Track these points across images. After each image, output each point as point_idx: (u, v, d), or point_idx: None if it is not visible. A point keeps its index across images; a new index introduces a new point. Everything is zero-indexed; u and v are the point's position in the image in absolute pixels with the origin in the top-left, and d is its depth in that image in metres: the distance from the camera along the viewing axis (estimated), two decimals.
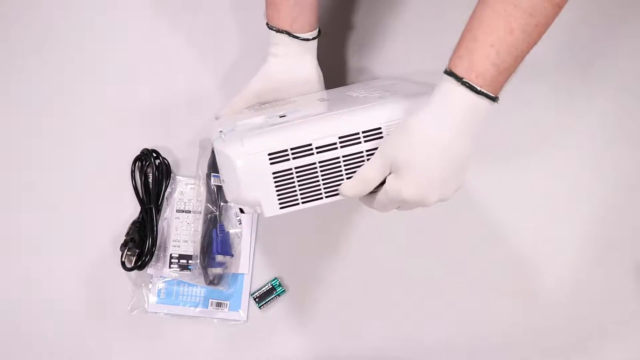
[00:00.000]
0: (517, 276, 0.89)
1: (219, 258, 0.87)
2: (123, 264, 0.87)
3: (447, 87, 0.58)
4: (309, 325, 0.88)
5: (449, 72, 0.58)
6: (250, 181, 0.67)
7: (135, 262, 0.87)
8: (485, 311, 0.88)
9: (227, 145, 0.68)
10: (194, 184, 0.90)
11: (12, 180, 0.93)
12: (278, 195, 0.68)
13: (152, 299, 0.89)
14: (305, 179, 0.68)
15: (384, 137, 0.65)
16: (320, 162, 0.67)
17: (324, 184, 0.68)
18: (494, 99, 0.58)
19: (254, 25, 0.97)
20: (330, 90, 0.82)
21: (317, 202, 0.69)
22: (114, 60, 0.97)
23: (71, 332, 0.89)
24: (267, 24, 0.79)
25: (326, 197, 0.68)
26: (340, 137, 0.66)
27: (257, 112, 0.76)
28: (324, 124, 0.67)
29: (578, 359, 0.87)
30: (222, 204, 0.88)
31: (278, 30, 0.78)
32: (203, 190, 0.88)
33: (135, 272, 0.87)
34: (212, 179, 0.88)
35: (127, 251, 0.87)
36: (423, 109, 0.59)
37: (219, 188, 0.88)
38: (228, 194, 0.71)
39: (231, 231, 0.89)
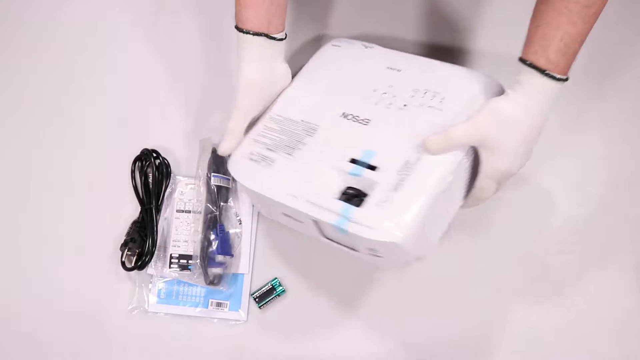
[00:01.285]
0: (517, 276, 0.88)
1: (219, 258, 0.87)
2: (123, 264, 0.87)
3: (530, 78, 0.68)
4: (309, 325, 0.88)
5: (531, 65, 0.67)
6: (415, 246, 0.71)
7: (135, 262, 0.87)
8: (485, 311, 0.88)
9: (379, 232, 0.69)
10: (194, 184, 0.90)
11: (12, 180, 0.93)
12: (433, 234, 0.75)
13: (152, 299, 0.89)
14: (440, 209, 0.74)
15: (477, 111, 0.71)
16: (444, 191, 0.72)
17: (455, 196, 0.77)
18: (566, 79, 0.69)
19: None
20: (334, 93, 0.82)
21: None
22: (114, 60, 0.97)
23: (71, 332, 0.89)
24: (240, 28, 0.77)
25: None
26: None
27: (276, 146, 0.79)
28: (438, 172, 0.72)
29: (578, 359, 0.87)
30: (222, 204, 0.88)
31: (255, 34, 0.77)
32: (203, 190, 0.88)
33: (135, 272, 0.87)
34: (212, 179, 0.88)
35: (127, 251, 0.87)
36: (512, 96, 0.69)
37: (219, 188, 0.88)
38: (390, 263, 0.79)
39: (231, 231, 0.89)
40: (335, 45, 0.88)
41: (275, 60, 0.81)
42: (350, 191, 0.73)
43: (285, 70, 0.82)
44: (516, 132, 0.69)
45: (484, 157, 0.71)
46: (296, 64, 0.86)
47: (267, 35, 0.78)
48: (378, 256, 0.74)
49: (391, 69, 0.82)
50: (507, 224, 0.89)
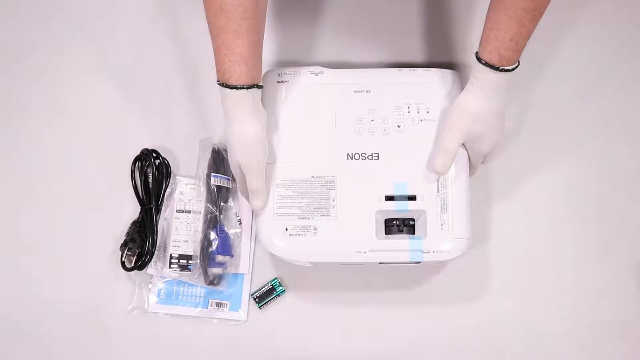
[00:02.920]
0: (517, 276, 0.88)
1: (219, 258, 0.87)
2: (123, 264, 0.87)
3: (487, 74, 0.75)
4: (309, 325, 0.88)
5: (486, 64, 0.74)
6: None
7: (135, 262, 0.87)
8: (485, 311, 0.88)
9: (452, 253, 0.78)
10: (194, 184, 0.90)
11: (12, 180, 0.93)
12: None
13: (152, 299, 0.89)
14: None
15: (448, 117, 0.78)
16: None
17: None
18: (515, 68, 0.75)
19: None
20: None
21: None
22: (114, 60, 0.97)
23: (71, 332, 0.89)
24: (232, 85, 0.73)
25: None
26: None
27: (308, 213, 0.80)
28: (462, 178, 0.81)
29: (578, 359, 0.87)
30: (222, 204, 0.88)
31: (249, 87, 0.74)
32: (203, 190, 0.88)
33: (135, 272, 0.87)
34: (212, 179, 0.88)
35: (127, 251, 0.87)
36: (474, 92, 0.76)
37: (219, 188, 0.88)
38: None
39: (231, 231, 0.89)
40: (281, 82, 0.84)
41: (259, 105, 0.78)
42: (396, 223, 0.79)
43: (264, 112, 0.79)
44: (487, 120, 0.77)
45: (469, 147, 0.80)
46: None
47: (257, 86, 0.75)
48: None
49: (359, 91, 0.83)
50: (507, 224, 0.89)
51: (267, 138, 0.80)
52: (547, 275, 0.88)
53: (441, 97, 0.83)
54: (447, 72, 0.84)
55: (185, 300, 0.89)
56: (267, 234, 0.80)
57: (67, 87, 0.96)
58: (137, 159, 0.91)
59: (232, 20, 0.72)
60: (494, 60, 0.74)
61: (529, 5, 0.71)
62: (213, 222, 0.88)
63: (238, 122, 0.76)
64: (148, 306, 0.88)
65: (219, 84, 0.75)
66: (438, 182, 0.79)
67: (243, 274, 0.89)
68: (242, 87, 0.74)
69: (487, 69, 0.74)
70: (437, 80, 0.83)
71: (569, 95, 0.93)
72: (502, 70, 0.74)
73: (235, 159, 0.78)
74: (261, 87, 0.77)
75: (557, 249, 0.89)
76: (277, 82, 0.84)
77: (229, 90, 0.74)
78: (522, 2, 0.70)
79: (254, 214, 0.85)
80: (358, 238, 0.78)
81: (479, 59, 0.75)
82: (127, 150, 0.91)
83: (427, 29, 0.96)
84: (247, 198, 0.81)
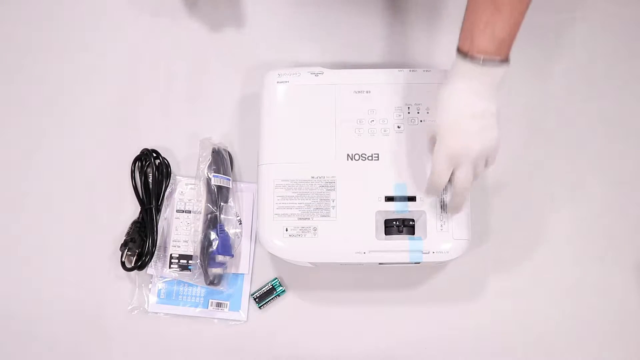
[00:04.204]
0: (517, 276, 0.88)
1: (219, 258, 0.87)
2: (123, 264, 0.87)
3: (458, 63, 0.69)
4: (309, 325, 0.88)
5: (458, 50, 0.69)
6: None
7: (135, 262, 0.87)
8: (485, 311, 0.88)
9: (452, 253, 0.78)
10: (194, 184, 0.90)
11: (12, 180, 0.93)
12: None
13: (152, 299, 0.89)
14: None
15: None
16: None
17: None
18: (501, 62, 0.68)
19: (252, 24, 0.97)
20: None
21: None
22: (114, 60, 0.97)
23: (71, 332, 0.89)
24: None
25: None
26: None
27: (308, 213, 0.80)
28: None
29: (578, 359, 0.87)
30: (222, 204, 0.88)
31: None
32: (203, 190, 0.88)
33: (135, 272, 0.87)
34: (212, 179, 0.88)
35: (127, 251, 0.87)
36: (445, 85, 0.71)
37: (219, 188, 0.88)
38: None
39: (231, 231, 0.89)
40: (282, 82, 0.84)
41: None
42: (395, 223, 0.79)
43: None
44: (460, 113, 0.70)
45: (437, 140, 0.73)
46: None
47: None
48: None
49: (359, 92, 0.83)
50: (507, 224, 0.89)
51: (267, 138, 0.81)
52: (547, 275, 0.88)
53: None
54: (447, 73, 0.84)
55: (185, 300, 0.89)
56: (267, 234, 0.80)
57: (67, 87, 0.96)
58: (137, 159, 0.91)
59: None
60: (465, 47, 0.68)
61: None
62: (213, 222, 0.88)
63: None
64: (148, 306, 0.88)
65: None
66: None
67: (243, 274, 0.89)
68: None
69: (460, 57, 0.69)
70: (437, 81, 0.83)
71: (569, 95, 0.93)
72: (474, 60, 0.67)
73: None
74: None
75: (557, 249, 0.89)
76: (277, 82, 0.84)
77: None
78: None
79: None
80: (358, 238, 0.78)
81: (457, 49, 0.70)
82: (127, 150, 0.91)
83: (427, 30, 0.96)
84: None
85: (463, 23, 0.70)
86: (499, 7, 0.66)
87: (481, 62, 0.68)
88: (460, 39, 0.69)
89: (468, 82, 0.69)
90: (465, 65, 0.69)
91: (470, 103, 0.70)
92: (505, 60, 0.69)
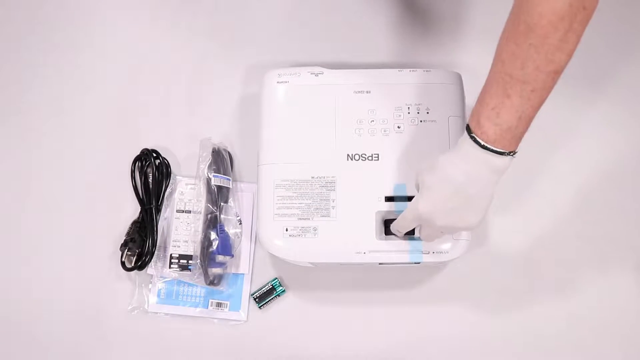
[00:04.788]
0: (517, 276, 0.88)
1: (219, 258, 0.87)
2: (123, 264, 0.87)
3: (464, 139, 0.67)
4: (309, 325, 0.88)
5: (467, 127, 0.66)
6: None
7: (135, 262, 0.87)
8: (486, 311, 0.88)
9: (452, 253, 0.79)
10: (194, 184, 0.90)
11: (12, 180, 0.93)
12: None
13: (152, 299, 0.89)
14: None
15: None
16: None
17: None
18: (501, 153, 0.65)
19: (252, 24, 0.97)
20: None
21: None
22: (114, 60, 0.97)
23: (71, 332, 0.89)
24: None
25: None
26: None
27: (308, 213, 0.80)
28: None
29: (578, 359, 0.87)
30: (222, 204, 0.88)
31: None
32: (203, 190, 0.88)
33: (135, 272, 0.87)
34: (212, 179, 0.88)
35: (127, 251, 0.87)
36: (449, 152, 0.69)
37: (219, 188, 0.88)
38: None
39: (231, 231, 0.89)
40: (282, 82, 0.84)
41: None
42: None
43: None
44: (445, 184, 0.67)
45: (417, 192, 0.71)
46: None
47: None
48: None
49: (359, 92, 0.83)
50: (507, 225, 0.89)
51: (267, 138, 0.81)
52: (547, 276, 0.88)
53: (441, 98, 0.82)
54: (448, 73, 0.84)
55: (185, 300, 0.89)
56: (267, 234, 0.80)
57: (67, 87, 0.96)
58: (137, 159, 0.91)
59: None
60: (472, 124, 0.65)
61: (518, 75, 0.61)
62: (213, 222, 0.88)
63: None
64: (148, 306, 0.88)
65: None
66: None
67: (243, 274, 0.89)
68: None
69: (466, 136, 0.66)
70: (437, 81, 0.83)
71: (569, 95, 0.93)
72: (475, 141, 0.64)
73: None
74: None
75: (558, 249, 0.89)
76: (277, 82, 0.84)
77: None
78: (510, 66, 0.62)
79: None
80: (358, 239, 0.78)
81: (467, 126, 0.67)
82: (127, 150, 0.91)
83: (427, 30, 0.96)
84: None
85: (477, 100, 0.66)
86: (509, 94, 0.62)
87: (481, 146, 0.65)
88: (471, 114, 0.66)
89: (466, 162, 0.66)
90: (469, 143, 0.66)
91: (460, 183, 0.67)
92: (505, 152, 0.65)
